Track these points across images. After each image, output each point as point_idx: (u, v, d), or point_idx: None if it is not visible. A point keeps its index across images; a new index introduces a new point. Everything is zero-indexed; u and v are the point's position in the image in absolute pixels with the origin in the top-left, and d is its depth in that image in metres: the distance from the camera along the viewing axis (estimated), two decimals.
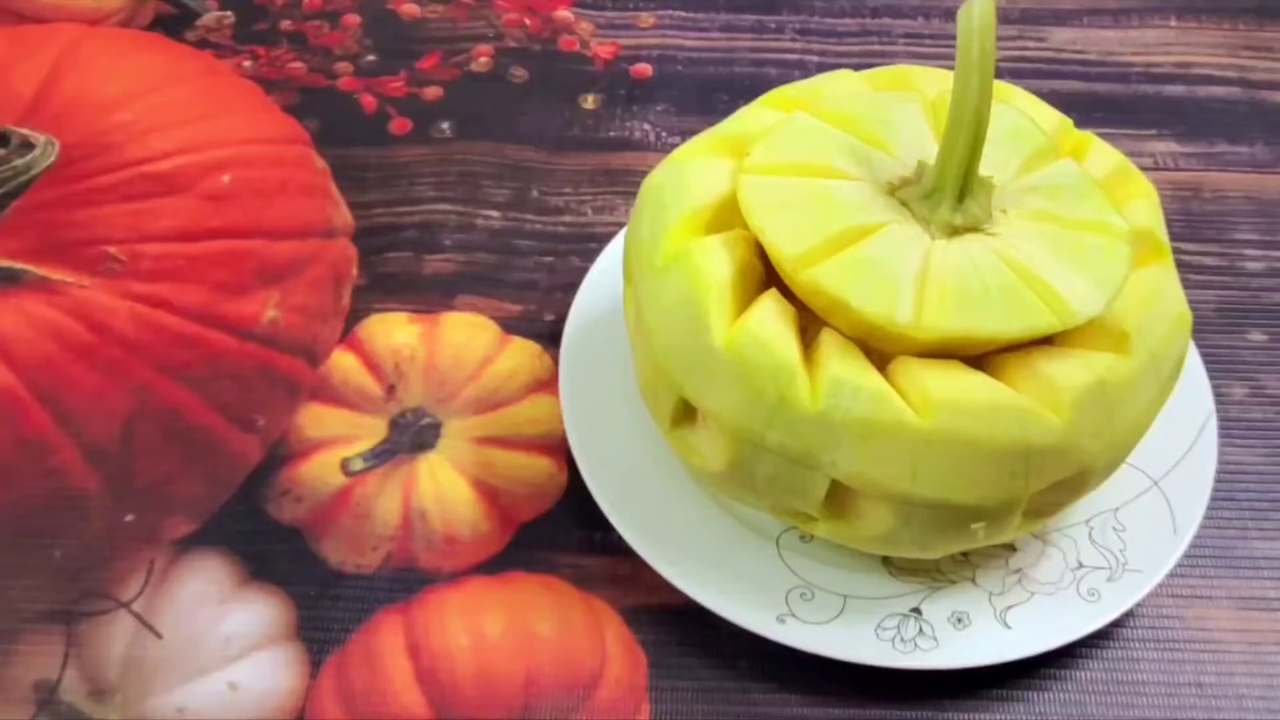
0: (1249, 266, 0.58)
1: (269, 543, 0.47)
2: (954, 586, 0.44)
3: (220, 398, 0.51)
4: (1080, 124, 0.44)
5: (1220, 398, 0.49)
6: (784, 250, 0.37)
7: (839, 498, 0.39)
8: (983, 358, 0.37)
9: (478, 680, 0.43)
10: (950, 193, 0.38)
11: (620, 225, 0.55)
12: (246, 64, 0.66)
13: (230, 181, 0.58)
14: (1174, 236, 0.42)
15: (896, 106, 0.42)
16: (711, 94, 0.64)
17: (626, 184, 0.60)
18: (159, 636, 0.44)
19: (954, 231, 0.38)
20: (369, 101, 0.64)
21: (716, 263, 0.38)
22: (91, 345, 0.52)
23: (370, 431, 0.50)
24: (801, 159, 0.40)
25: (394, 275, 0.56)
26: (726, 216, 0.40)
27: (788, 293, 0.39)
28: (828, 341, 0.37)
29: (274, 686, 0.43)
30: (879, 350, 0.37)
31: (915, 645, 0.42)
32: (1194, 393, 0.48)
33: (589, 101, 0.64)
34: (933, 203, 0.38)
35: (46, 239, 0.57)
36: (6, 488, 0.48)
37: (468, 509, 0.48)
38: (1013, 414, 0.36)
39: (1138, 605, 0.43)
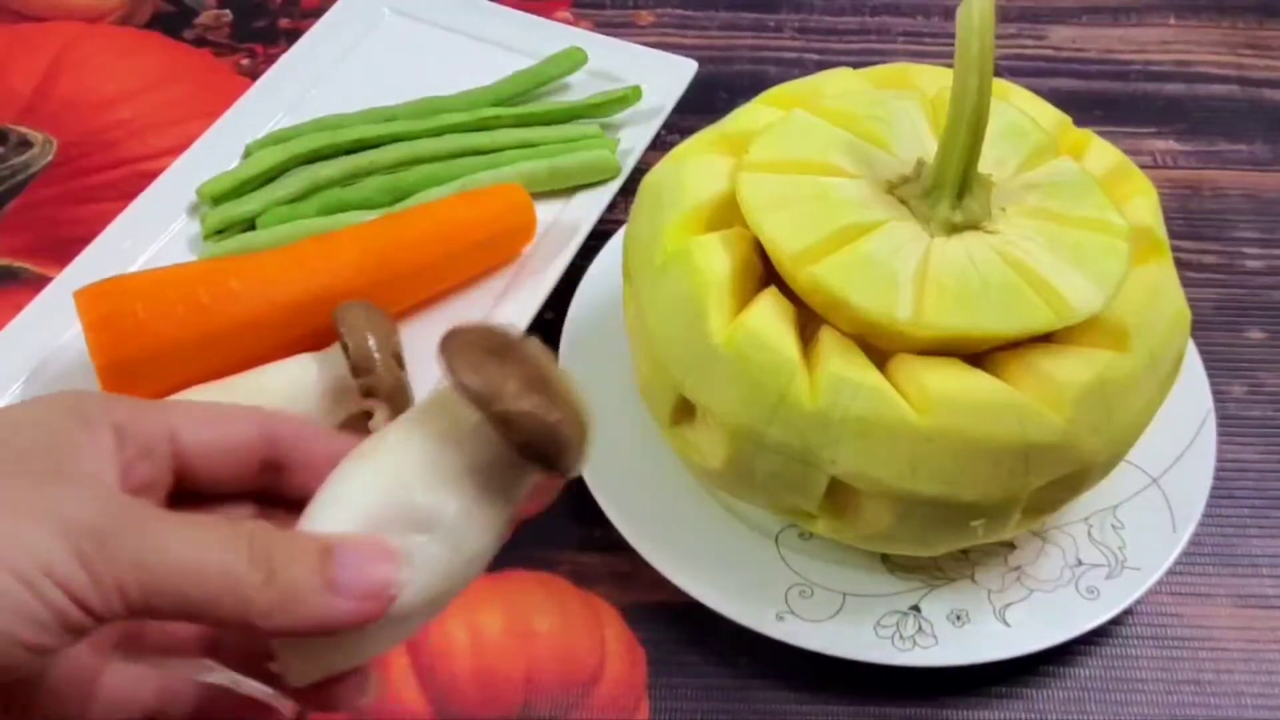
0: (1248, 265, 0.58)
1: None
2: (953, 584, 0.44)
3: None
4: (1079, 122, 0.44)
5: (1219, 395, 0.49)
6: (783, 248, 0.37)
7: (838, 495, 0.39)
8: (982, 355, 0.37)
9: (477, 678, 0.43)
10: (949, 190, 0.38)
11: (620, 223, 0.54)
12: (244, 62, 0.66)
13: None
14: (1173, 234, 0.42)
15: (896, 104, 0.42)
16: (711, 92, 0.64)
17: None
18: None
19: (953, 229, 0.38)
20: None
21: (716, 260, 0.38)
22: None
23: None
24: (800, 156, 0.40)
25: None
26: (726, 214, 0.40)
27: (787, 290, 0.39)
28: (827, 339, 0.37)
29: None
30: (878, 348, 0.37)
31: (914, 642, 0.42)
32: (1193, 390, 0.48)
33: None
34: (932, 200, 0.38)
35: (45, 236, 0.57)
36: None
37: None
38: (1012, 411, 0.36)
39: (1136, 603, 0.43)
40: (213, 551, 0.24)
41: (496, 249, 0.54)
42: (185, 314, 0.46)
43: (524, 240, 0.55)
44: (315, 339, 0.47)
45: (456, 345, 0.27)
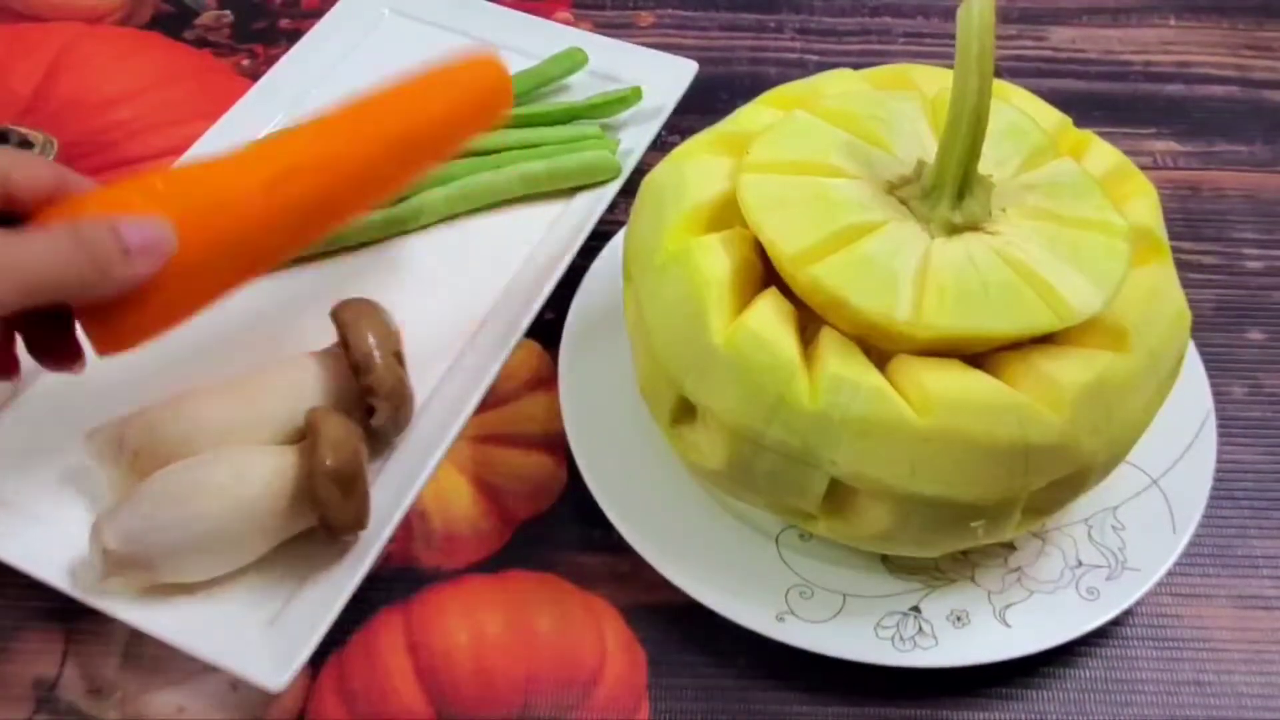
0: (1248, 265, 0.58)
1: None
2: (953, 585, 0.44)
3: None
4: (1079, 123, 0.44)
5: (1219, 396, 0.49)
6: (783, 248, 0.37)
7: (838, 496, 0.39)
8: (982, 356, 0.37)
9: (477, 678, 0.43)
10: (949, 191, 0.38)
11: (620, 223, 0.54)
12: (245, 62, 0.66)
13: None
14: (1173, 235, 0.42)
15: (896, 105, 0.42)
16: (711, 93, 0.64)
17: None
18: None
19: (953, 230, 0.38)
20: None
21: (716, 261, 0.38)
22: None
23: None
24: (801, 157, 0.40)
25: None
26: (726, 215, 0.40)
27: (787, 291, 0.39)
28: (827, 339, 0.37)
29: None
30: (878, 348, 0.37)
31: (914, 644, 0.42)
32: (1193, 391, 0.48)
33: None
34: (932, 201, 0.38)
35: None
36: None
37: (467, 507, 0.48)
38: (1012, 412, 0.36)
39: (1136, 604, 0.43)
40: (59, 253, 0.36)
41: (473, 119, 0.50)
42: None
43: (501, 105, 0.50)
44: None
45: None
